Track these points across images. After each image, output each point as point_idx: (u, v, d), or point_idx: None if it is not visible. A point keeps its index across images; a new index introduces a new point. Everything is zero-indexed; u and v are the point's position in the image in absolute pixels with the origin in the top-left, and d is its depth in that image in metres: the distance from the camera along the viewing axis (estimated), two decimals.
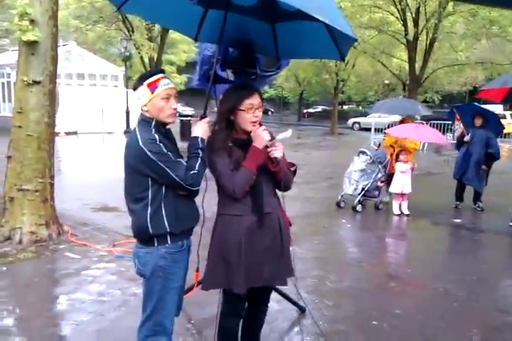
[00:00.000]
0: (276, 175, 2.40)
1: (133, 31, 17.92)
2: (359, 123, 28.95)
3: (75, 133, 18.74)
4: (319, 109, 40.15)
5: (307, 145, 17.50)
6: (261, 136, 2.29)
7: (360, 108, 37.35)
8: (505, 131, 18.59)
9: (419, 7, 15.32)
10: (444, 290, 4.15)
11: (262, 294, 2.54)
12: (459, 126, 7.97)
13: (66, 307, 3.63)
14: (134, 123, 20.22)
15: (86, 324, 3.34)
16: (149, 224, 2.15)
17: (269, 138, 2.32)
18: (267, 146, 2.33)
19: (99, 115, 18.50)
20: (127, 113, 20.37)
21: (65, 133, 17.46)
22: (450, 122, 10.00)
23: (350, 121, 30.12)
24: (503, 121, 8.39)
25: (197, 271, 2.65)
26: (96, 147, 15.68)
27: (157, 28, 18.74)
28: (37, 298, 3.81)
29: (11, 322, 3.37)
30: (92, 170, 10.61)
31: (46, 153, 5.11)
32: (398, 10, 15.66)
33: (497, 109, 13.84)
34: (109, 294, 3.86)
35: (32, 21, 4.71)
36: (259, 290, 2.44)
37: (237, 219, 2.35)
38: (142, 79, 2.14)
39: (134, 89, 2.16)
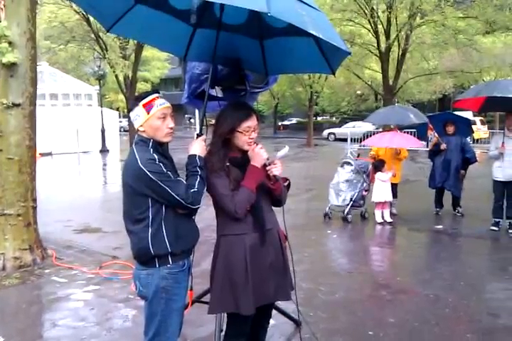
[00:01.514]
0: (274, 192, 2.43)
1: (107, 50, 17.87)
2: (334, 133, 29.32)
3: (50, 154, 18.44)
4: (294, 121, 40.53)
5: (286, 158, 17.57)
6: (259, 155, 2.32)
7: (334, 119, 37.88)
8: (476, 137, 19.05)
9: (389, 19, 15.72)
10: (435, 297, 4.20)
11: (264, 311, 2.52)
12: (432, 136, 8.16)
13: (57, 333, 3.53)
14: (109, 142, 20.17)
15: None
16: (151, 245, 2.13)
17: (267, 156, 2.34)
18: (264, 164, 2.35)
19: (74, 135, 18.26)
20: (102, 132, 20.19)
21: (40, 154, 17.16)
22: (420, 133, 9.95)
23: (326, 132, 30.47)
24: (473, 126, 8.65)
25: (190, 289, 2.64)
26: (72, 167, 15.46)
27: (131, 46, 18.75)
28: (26, 325, 3.71)
29: None
30: (70, 191, 10.45)
31: (28, 176, 5.01)
32: (370, 22, 16.03)
33: (467, 115, 14.19)
34: (99, 318, 3.78)
35: (10, 43, 4.67)
36: (262, 308, 2.43)
37: (240, 238, 2.35)
38: (138, 99, 2.15)
39: (130, 110, 2.17)
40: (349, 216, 7.17)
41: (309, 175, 12.43)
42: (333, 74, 2.60)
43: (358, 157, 8.19)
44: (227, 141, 2.34)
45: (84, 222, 7.20)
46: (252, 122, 2.32)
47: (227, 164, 2.33)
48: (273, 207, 2.56)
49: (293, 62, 2.80)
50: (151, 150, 2.13)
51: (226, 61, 2.87)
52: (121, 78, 18.83)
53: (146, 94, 2.17)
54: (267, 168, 2.36)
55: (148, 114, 2.13)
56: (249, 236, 2.35)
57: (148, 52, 24.82)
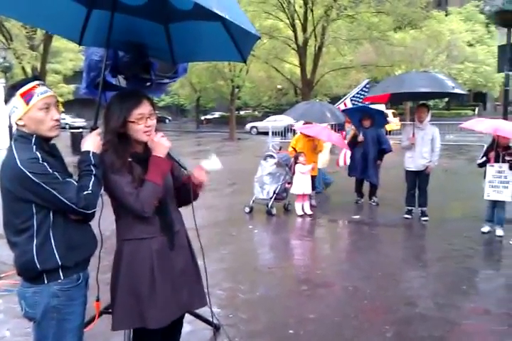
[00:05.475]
0: (187, 191, 2.25)
1: (11, 40, 16.55)
2: (256, 127, 29.55)
3: None
4: (217, 115, 40.35)
5: (208, 152, 17.38)
6: (160, 144, 2.09)
7: (256, 113, 38.15)
8: (388, 129, 20.12)
9: (306, 13, 15.96)
10: (354, 288, 4.22)
11: (175, 321, 2.27)
12: (350, 129, 8.43)
13: None
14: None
15: None
16: (36, 259, 1.84)
17: (170, 144, 2.13)
18: (170, 156, 2.15)
19: None
20: (10, 128, 18.67)
21: None
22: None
23: (248, 125, 30.65)
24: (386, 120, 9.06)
25: (97, 300, 2.37)
26: None
27: (39, 36, 17.51)
28: None
29: None
30: None
31: None
32: (288, 16, 16.18)
33: (380, 108, 14.88)
34: None
35: None
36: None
37: (147, 242, 2.12)
38: (14, 89, 1.83)
39: (5, 101, 1.84)
40: (273, 209, 7.15)
41: (232, 170, 12.29)
42: (244, 62, 2.44)
43: (279, 150, 8.21)
44: (123, 135, 2.10)
45: None
46: (143, 109, 2.08)
47: (130, 159, 2.09)
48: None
49: (201, 49, 2.60)
50: (34, 147, 1.83)
51: (127, 47, 2.60)
52: (28, 70, 17.59)
53: (24, 81, 1.86)
54: (195, 177, 2.22)
55: (27, 104, 1.82)
56: (156, 239, 2.13)
57: (60, 42, 23.33)
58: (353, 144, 7.87)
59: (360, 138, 7.69)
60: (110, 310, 3.02)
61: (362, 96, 8.82)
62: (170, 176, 2.21)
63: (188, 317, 3.15)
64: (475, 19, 25.89)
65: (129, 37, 2.49)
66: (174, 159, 2.19)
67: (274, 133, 19.42)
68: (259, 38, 2.06)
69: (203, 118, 39.45)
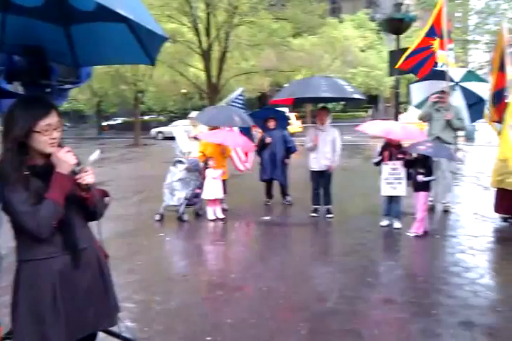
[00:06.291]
0: (86, 203, 2.08)
1: None
2: (162, 132, 29.07)
3: None
4: (120, 120, 39.05)
5: (112, 159, 16.74)
6: (64, 160, 1.96)
7: (162, 117, 37.51)
8: (291, 131, 20.93)
9: (208, 18, 16.04)
10: (268, 289, 4.30)
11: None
12: (257, 133, 8.64)
13: None
14: None
15: None
16: None
17: (75, 161, 2.00)
18: (73, 172, 2.01)
19: None
20: None
21: None
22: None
23: (153, 131, 30.04)
24: (288, 121, 9.49)
25: None
26: None
27: None
28: None
29: None
30: None
31: None
32: (190, 20, 16.15)
33: (284, 110, 15.46)
34: None
35: None
36: (82, 339, 2.09)
37: (47, 262, 1.96)
38: None
39: None
40: (184, 215, 7.08)
41: (138, 177, 11.98)
42: (153, 64, 2.39)
43: (188, 155, 8.14)
44: (23, 145, 1.94)
45: None
46: (52, 119, 1.96)
47: (27, 173, 1.93)
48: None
49: (107, 52, 2.50)
50: None
51: (24, 50, 2.43)
52: None
53: None
54: (77, 177, 2.01)
55: None
56: (58, 259, 1.98)
57: None
58: (261, 147, 8.06)
59: (268, 139, 7.92)
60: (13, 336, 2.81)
61: (239, 105, 8.94)
62: (77, 190, 2.05)
63: (99, 333, 3.02)
64: (366, 26, 27.66)
65: (25, 40, 2.33)
66: (74, 172, 2.02)
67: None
68: (167, 38, 2.03)
69: (104, 124, 37.94)
